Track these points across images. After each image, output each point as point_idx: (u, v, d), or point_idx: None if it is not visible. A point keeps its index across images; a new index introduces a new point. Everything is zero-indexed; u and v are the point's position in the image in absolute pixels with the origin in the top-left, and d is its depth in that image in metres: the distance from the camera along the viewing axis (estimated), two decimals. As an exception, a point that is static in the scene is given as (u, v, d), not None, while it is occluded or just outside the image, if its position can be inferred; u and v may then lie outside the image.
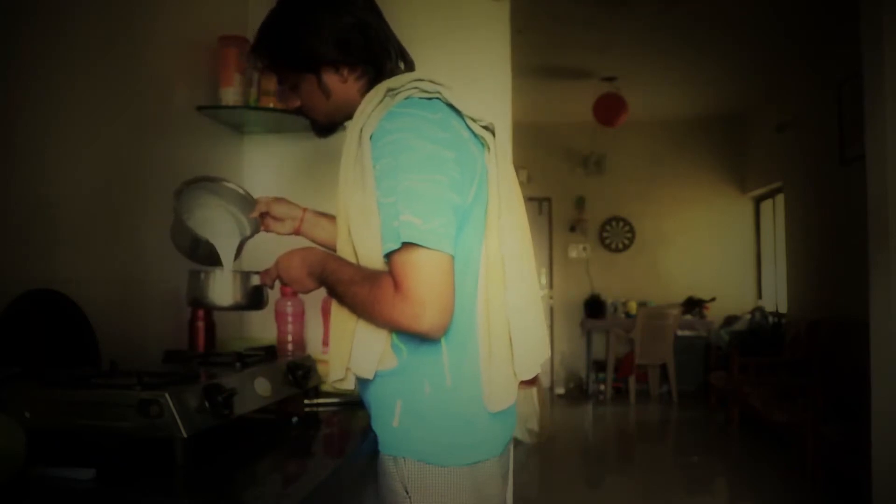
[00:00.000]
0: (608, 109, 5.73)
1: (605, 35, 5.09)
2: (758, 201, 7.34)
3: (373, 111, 1.14)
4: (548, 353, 1.27)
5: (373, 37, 1.22)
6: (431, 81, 1.16)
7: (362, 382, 1.22)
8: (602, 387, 6.80)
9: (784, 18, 4.73)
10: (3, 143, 1.32)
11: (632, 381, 6.50)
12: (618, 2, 4.44)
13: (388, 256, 1.08)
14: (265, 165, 2.37)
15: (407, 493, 1.13)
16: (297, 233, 1.48)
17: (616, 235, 7.55)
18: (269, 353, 1.57)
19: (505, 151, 1.23)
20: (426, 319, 1.04)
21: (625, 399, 6.56)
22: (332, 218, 1.44)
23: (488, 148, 1.20)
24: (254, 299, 1.40)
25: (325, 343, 2.03)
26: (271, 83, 2.13)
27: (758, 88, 6.36)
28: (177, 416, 1.04)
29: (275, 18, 1.24)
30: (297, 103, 1.30)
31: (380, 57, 1.23)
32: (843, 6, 4.06)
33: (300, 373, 1.48)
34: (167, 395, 1.04)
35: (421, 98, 1.13)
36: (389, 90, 1.16)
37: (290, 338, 1.99)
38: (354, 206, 1.15)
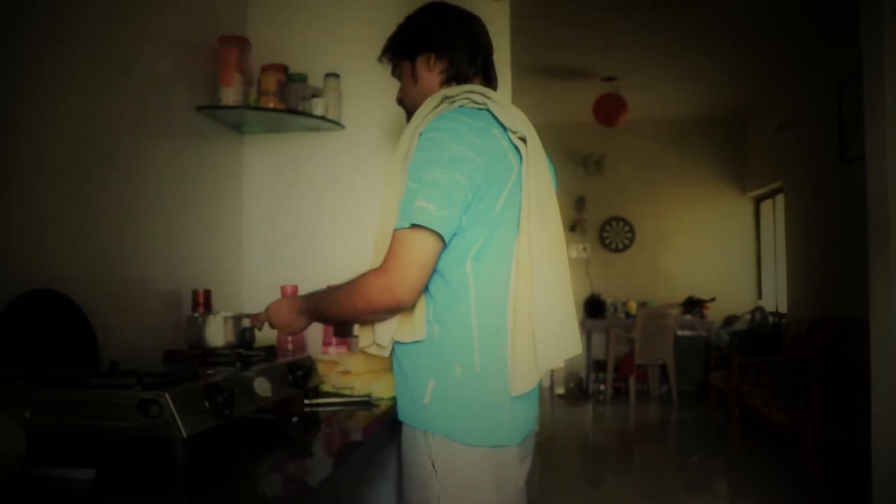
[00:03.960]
0: (608, 109, 5.72)
1: (605, 35, 5.09)
2: (758, 201, 7.34)
3: (428, 113, 1.29)
4: (578, 350, 1.32)
5: (474, 43, 1.41)
6: (482, 94, 1.30)
7: (397, 355, 1.32)
8: (602, 387, 6.80)
9: (784, 19, 4.73)
10: (4, 143, 1.32)
11: (632, 380, 6.50)
12: (618, 2, 4.44)
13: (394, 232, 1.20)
14: (265, 165, 2.37)
15: (434, 467, 1.22)
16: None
17: (616, 235, 7.55)
18: (269, 353, 1.57)
19: (537, 157, 1.31)
20: (395, 289, 1.17)
21: (625, 399, 6.56)
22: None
23: (525, 154, 1.30)
24: (243, 340, 1.59)
25: (326, 343, 2.03)
26: (271, 83, 2.13)
27: (758, 88, 6.36)
28: (177, 416, 1.04)
29: (406, 19, 1.47)
30: (399, 94, 1.49)
31: (465, 60, 1.40)
32: (843, 7, 4.07)
33: (300, 373, 1.48)
34: (167, 395, 1.04)
35: (470, 108, 1.27)
36: (446, 97, 1.31)
37: (290, 338, 1.99)
38: (394, 195, 1.27)
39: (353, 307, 1.24)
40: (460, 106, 1.27)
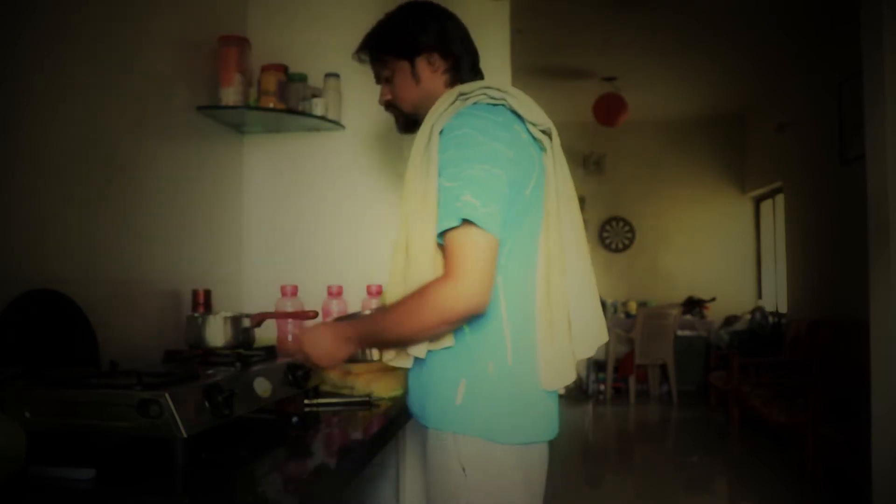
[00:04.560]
0: (608, 109, 5.73)
1: (605, 35, 5.09)
2: (758, 201, 7.34)
3: (445, 111, 1.25)
4: (606, 338, 1.34)
5: (464, 41, 1.38)
6: (498, 89, 1.26)
7: (419, 362, 1.28)
8: (602, 386, 6.80)
9: (784, 19, 4.73)
10: (4, 143, 1.32)
11: (632, 380, 6.50)
12: (618, 2, 4.44)
13: (443, 235, 1.15)
14: (265, 165, 2.37)
15: (463, 469, 1.19)
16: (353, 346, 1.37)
17: (616, 235, 7.55)
18: (269, 353, 1.56)
19: (561, 152, 1.32)
20: (469, 295, 1.11)
21: (625, 399, 6.56)
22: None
23: (545, 149, 1.30)
24: (244, 340, 1.58)
25: (325, 343, 2.03)
26: (271, 83, 2.13)
27: (758, 88, 6.36)
28: (177, 416, 1.04)
29: (387, 17, 1.41)
30: (388, 96, 1.41)
31: (465, 58, 1.37)
32: (843, 7, 4.07)
33: (300, 373, 1.47)
34: (167, 395, 1.04)
35: (487, 103, 1.24)
36: (461, 94, 1.27)
37: (290, 338, 1.99)
38: (415, 195, 1.23)
39: (423, 323, 1.15)
40: (475, 102, 1.24)
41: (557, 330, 1.26)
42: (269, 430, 1.35)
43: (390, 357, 1.31)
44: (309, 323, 1.70)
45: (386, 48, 1.39)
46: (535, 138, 1.28)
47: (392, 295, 1.27)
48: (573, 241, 1.29)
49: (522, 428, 1.22)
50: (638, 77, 5.91)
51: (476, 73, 1.40)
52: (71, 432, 1.09)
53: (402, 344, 1.24)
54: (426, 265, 1.20)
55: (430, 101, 1.34)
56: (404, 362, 1.30)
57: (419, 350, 1.24)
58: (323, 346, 1.27)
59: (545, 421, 1.27)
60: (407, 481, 2.00)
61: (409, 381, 1.35)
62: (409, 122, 1.42)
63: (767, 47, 5.27)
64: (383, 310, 1.24)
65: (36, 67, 1.39)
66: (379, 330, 1.23)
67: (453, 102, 1.26)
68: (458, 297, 1.11)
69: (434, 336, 1.20)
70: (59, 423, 1.08)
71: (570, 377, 1.29)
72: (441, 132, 1.22)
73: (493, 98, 1.25)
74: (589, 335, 1.30)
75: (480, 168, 1.15)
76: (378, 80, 1.44)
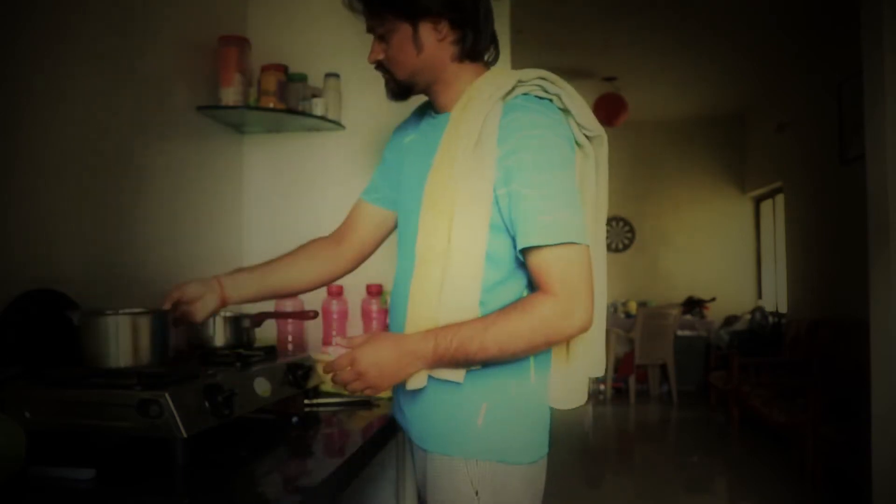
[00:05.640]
0: (608, 109, 5.72)
1: (605, 35, 5.09)
2: (758, 201, 7.34)
3: (500, 99, 1.12)
4: (604, 361, 1.29)
5: (482, 9, 1.19)
6: (553, 83, 1.15)
7: (431, 389, 1.15)
8: (602, 387, 6.79)
9: (784, 19, 4.73)
10: (4, 143, 1.32)
11: (632, 380, 6.50)
12: (618, 2, 4.44)
13: (530, 250, 1.07)
14: (265, 165, 2.37)
15: (476, 493, 1.11)
16: (224, 302, 1.34)
17: (616, 235, 7.55)
18: (269, 353, 1.57)
19: (606, 162, 1.22)
20: (581, 315, 1.05)
21: (625, 399, 6.56)
22: (242, 270, 1.39)
23: (586, 155, 1.19)
24: (244, 340, 1.58)
25: (325, 343, 2.03)
26: (271, 83, 2.13)
27: (758, 88, 6.36)
28: (177, 416, 1.04)
29: None
30: (381, 56, 1.21)
31: (481, 31, 1.19)
32: (843, 7, 4.06)
33: (300, 373, 1.48)
34: (167, 395, 1.04)
35: (537, 96, 1.14)
36: (520, 82, 1.13)
37: (290, 338, 1.99)
38: (465, 191, 1.10)
39: (530, 343, 1.07)
40: (525, 93, 1.13)
41: (578, 348, 1.20)
42: (269, 430, 1.35)
43: (419, 385, 1.14)
44: (369, 335, 1.25)
45: (386, 3, 1.16)
46: (576, 140, 1.18)
47: (423, 308, 1.12)
48: (600, 257, 1.22)
49: (537, 445, 1.18)
50: (638, 77, 5.91)
51: (496, 52, 1.26)
52: (71, 432, 1.09)
53: (490, 363, 1.10)
54: (472, 272, 1.10)
55: (430, 72, 1.19)
56: (420, 383, 1.13)
57: (457, 374, 1.11)
58: (389, 365, 1.09)
59: (547, 435, 1.22)
60: (407, 481, 2.00)
61: (404, 402, 1.22)
62: (401, 88, 1.23)
63: (767, 47, 5.27)
64: (469, 325, 1.07)
65: (36, 67, 1.39)
66: (470, 350, 1.06)
67: (510, 91, 1.13)
68: (566, 317, 1.05)
69: (535, 353, 1.13)
70: (59, 423, 1.08)
71: (583, 397, 1.23)
72: (501, 125, 1.09)
73: (546, 92, 1.14)
74: (600, 352, 1.25)
75: (562, 175, 1.08)
76: (369, 30, 1.22)
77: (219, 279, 1.34)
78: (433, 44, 1.17)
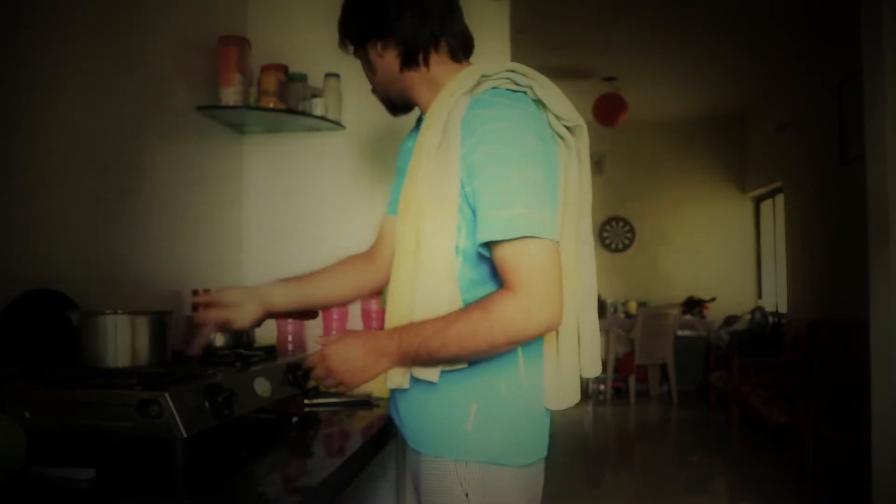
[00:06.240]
0: (608, 109, 5.73)
1: (605, 35, 5.09)
2: (758, 201, 7.34)
3: (464, 94, 1.11)
4: (600, 363, 1.28)
5: (414, 17, 1.19)
6: (524, 74, 1.13)
7: (415, 384, 1.15)
8: (602, 387, 6.80)
9: (783, 19, 4.73)
10: (4, 143, 1.32)
11: (632, 380, 6.50)
12: (618, 2, 4.44)
13: (492, 245, 1.05)
14: (265, 165, 2.37)
15: (467, 496, 1.10)
16: (266, 311, 1.34)
17: (616, 235, 7.55)
18: (269, 353, 1.57)
19: (588, 153, 1.19)
20: (544, 313, 1.01)
21: (625, 399, 6.56)
22: (284, 281, 1.40)
23: (569, 147, 1.17)
24: (244, 340, 1.60)
25: (325, 343, 2.03)
26: (271, 83, 2.13)
27: (758, 88, 6.36)
28: (177, 416, 1.04)
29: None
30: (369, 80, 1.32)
31: (416, 39, 1.19)
32: (843, 7, 4.07)
33: (300, 373, 1.47)
34: (167, 395, 1.04)
35: (508, 90, 1.11)
36: (483, 76, 1.12)
37: (290, 338, 1.99)
38: (428, 194, 1.10)
39: (491, 342, 1.04)
40: (494, 87, 1.11)
41: (566, 347, 1.18)
42: (269, 430, 1.35)
43: (397, 384, 1.15)
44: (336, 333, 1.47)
45: (341, 34, 1.30)
46: (556, 132, 1.15)
47: (399, 304, 1.14)
48: (588, 254, 1.21)
49: (530, 448, 1.15)
50: (638, 77, 5.91)
51: (465, 46, 1.25)
52: (71, 432, 1.09)
53: (455, 362, 1.09)
54: (444, 273, 1.09)
55: (392, 86, 1.25)
56: (401, 383, 1.14)
57: (431, 373, 1.10)
58: (355, 362, 1.11)
59: (545, 437, 1.20)
60: (407, 481, 2.00)
61: (398, 402, 1.21)
62: (387, 104, 1.31)
63: (767, 47, 5.27)
64: (431, 323, 1.07)
65: (36, 67, 1.39)
66: (432, 347, 1.05)
67: (474, 87, 1.12)
68: (528, 315, 1.01)
69: (499, 353, 1.10)
70: (59, 423, 1.08)
71: (575, 397, 1.21)
72: (463, 121, 1.08)
73: (517, 84, 1.12)
74: (594, 353, 1.23)
75: (528, 169, 1.04)
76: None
77: (261, 288, 1.36)
78: (379, 61, 1.25)
